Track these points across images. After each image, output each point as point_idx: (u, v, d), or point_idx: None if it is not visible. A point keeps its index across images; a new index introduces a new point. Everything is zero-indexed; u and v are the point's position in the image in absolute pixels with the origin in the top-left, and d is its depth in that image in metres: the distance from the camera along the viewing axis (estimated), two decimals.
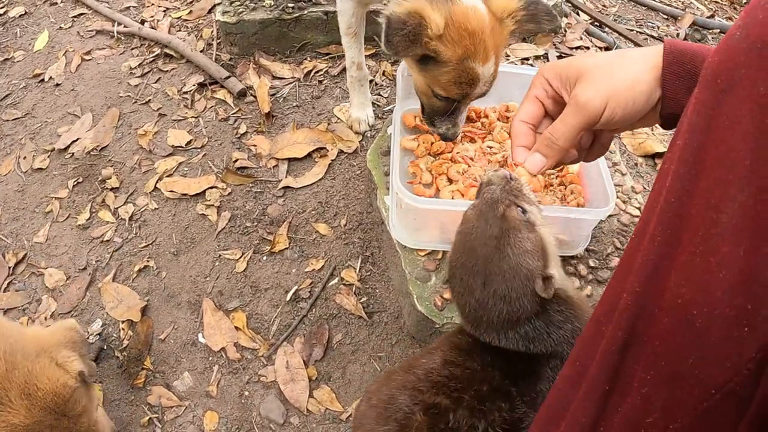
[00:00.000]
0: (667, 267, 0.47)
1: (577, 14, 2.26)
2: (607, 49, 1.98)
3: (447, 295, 1.23)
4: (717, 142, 0.44)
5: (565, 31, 2.14)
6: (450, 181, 1.38)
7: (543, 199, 1.31)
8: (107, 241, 1.60)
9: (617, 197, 1.46)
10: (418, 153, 1.43)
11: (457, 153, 1.41)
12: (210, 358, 1.37)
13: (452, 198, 1.34)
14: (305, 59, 1.92)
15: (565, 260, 1.31)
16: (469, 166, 1.39)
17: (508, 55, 1.99)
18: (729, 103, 0.43)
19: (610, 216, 1.40)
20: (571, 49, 1.94)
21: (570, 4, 2.25)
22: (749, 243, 0.39)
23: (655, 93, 0.70)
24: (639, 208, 1.44)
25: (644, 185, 1.66)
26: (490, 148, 1.43)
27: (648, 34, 2.11)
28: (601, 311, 0.58)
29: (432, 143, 1.45)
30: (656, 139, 1.81)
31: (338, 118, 1.74)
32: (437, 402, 0.84)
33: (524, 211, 0.91)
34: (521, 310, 0.87)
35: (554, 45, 2.05)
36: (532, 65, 1.97)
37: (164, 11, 2.24)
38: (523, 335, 0.88)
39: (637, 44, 2.01)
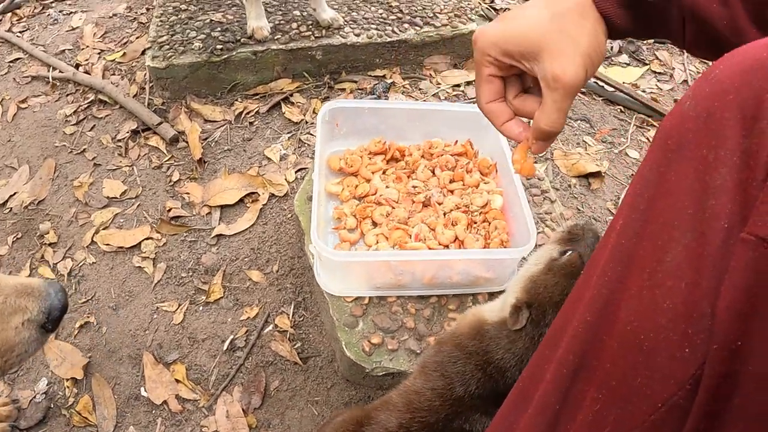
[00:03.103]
0: (617, 300, 0.52)
1: None
2: None
3: (375, 340, 1.23)
4: (665, 194, 0.50)
5: None
6: (375, 224, 1.38)
7: (466, 238, 1.32)
8: None
9: (546, 225, 1.48)
10: (342, 197, 1.43)
11: (381, 195, 1.41)
12: (153, 412, 1.37)
13: (377, 242, 1.34)
14: (236, 100, 1.90)
15: (493, 295, 1.32)
16: (393, 208, 1.39)
17: (439, 83, 1.99)
18: (677, 162, 0.50)
19: (539, 246, 1.41)
20: None
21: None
22: (690, 278, 0.45)
23: (605, 32, 0.70)
24: None
25: (578, 206, 1.69)
26: (415, 188, 1.43)
27: None
28: (546, 338, 0.63)
29: (356, 186, 1.45)
30: (589, 158, 1.83)
31: (269, 159, 1.72)
32: None
33: None
34: None
35: None
36: (463, 92, 1.97)
37: (99, 54, 2.20)
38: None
39: None
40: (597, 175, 1.77)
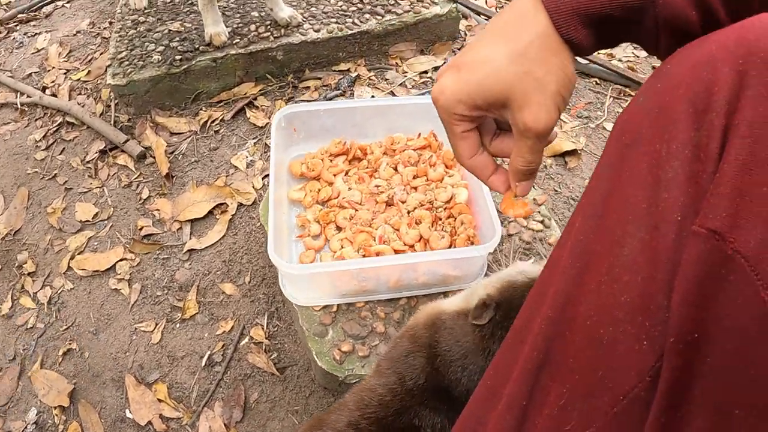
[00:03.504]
0: (578, 296, 0.52)
1: (477, 14, 2.21)
2: None
3: (345, 348, 1.22)
4: (620, 188, 0.51)
5: (465, 34, 2.10)
6: (339, 228, 1.36)
7: (431, 237, 1.30)
8: (31, 328, 1.57)
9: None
10: (305, 203, 1.41)
11: (344, 198, 1.39)
12: None
13: (341, 247, 1.32)
14: (200, 109, 1.87)
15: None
16: (357, 210, 1.37)
17: (406, 72, 1.95)
18: (631, 157, 0.50)
19: (510, 235, 1.40)
20: None
21: (466, 7, 2.20)
22: (646, 272, 0.46)
23: (572, 56, 0.63)
24: (542, 221, 1.42)
25: (555, 187, 1.66)
26: (378, 187, 1.41)
27: None
28: (512, 336, 0.63)
29: (319, 190, 1.43)
30: (565, 136, 1.80)
31: (236, 167, 1.70)
32: None
33: None
34: None
35: (454, 52, 2.01)
36: (431, 78, 1.93)
37: (65, 74, 2.18)
38: None
39: None
40: (573, 153, 1.73)
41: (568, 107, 1.91)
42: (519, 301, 0.88)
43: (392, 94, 1.86)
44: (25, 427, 1.44)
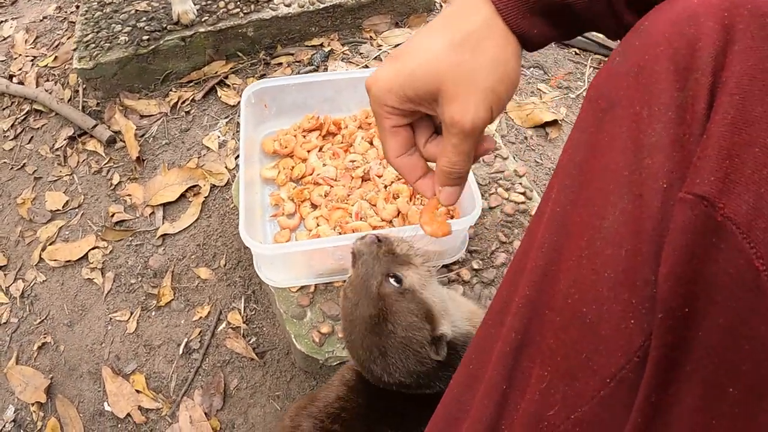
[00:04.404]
0: (556, 272, 0.48)
1: None
2: None
3: (324, 330, 1.16)
4: (598, 156, 0.46)
5: (440, 5, 2.02)
6: (314, 206, 1.29)
7: (409, 212, 1.23)
8: (4, 323, 1.50)
9: (500, 185, 1.39)
10: (279, 182, 1.34)
11: (318, 175, 1.31)
12: (118, 426, 1.31)
13: (317, 225, 1.26)
14: (170, 90, 1.79)
15: (446, 267, 1.24)
16: (332, 186, 1.30)
17: (380, 45, 1.87)
18: (609, 121, 0.46)
19: (492, 208, 1.33)
20: None
21: None
22: (630, 245, 0.41)
23: (517, 51, 0.57)
24: (524, 193, 1.36)
25: (536, 159, 1.60)
26: (353, 162, 1.33)
27: None
28: (491, 316, 0.57)
29: (293, 167, 1.35)
30: (545, 107, 1.74)
31: (208, 148, 1.62)
32: (334, 428, 0.85)
33: (399, 280, 0.84)
34: (420, 367, 0.83)
35: None
36: None
37: (32, 61, 2.08)
38: (416, 381, 0.85)
39: None
40: (554, 123, 1.67)
41: (548, 77, 1.83)
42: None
43: (367, 67, 1.78)
44: (4, 426, 1.37)
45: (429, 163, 0.68)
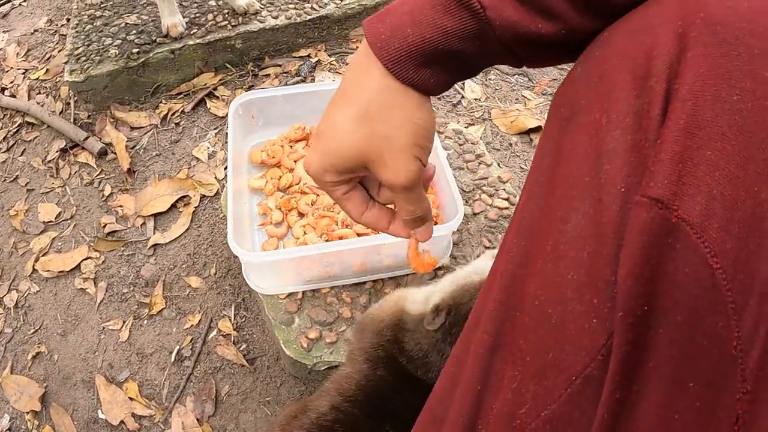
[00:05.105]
0: (524, 275, 0.49)
1: None
2: None
3: (312, 335, 1.17)
4: (563, 163, 0.47)
5: None
6: (301, 215, 1.31)
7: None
8: None
9: (483, 191, 1.40)
10: (266, 191, 1.35)
11: (305, 184, 1.33)
12: None
13: (304, 233, 1.27)
14: (160, 102, 1.80)
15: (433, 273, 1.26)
16: (318, 195, 1.32)
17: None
18: (571, 129, 0.47)
19: (476, 214, 1.35)
20: None
21: None
22: (591, 247, 0.43)
23: (421, 99, 0.58)
24: (507, 199, 1.38)
25: (521, 165, 1.61)
26: None
27: None
28: (472, 319, 0.59)
29: (280, 177, 1.37)
30: (529, 113, 1.75)
31: (198, 159, 1.64)
32: None
33: None
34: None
35: None
36: None
37: (24, 73, 2.09)
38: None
39: None
40: (538, 130, 1.69)
41: (532, 84, 1.86)
42: (469, 305, 0.88)
43: None
44: None
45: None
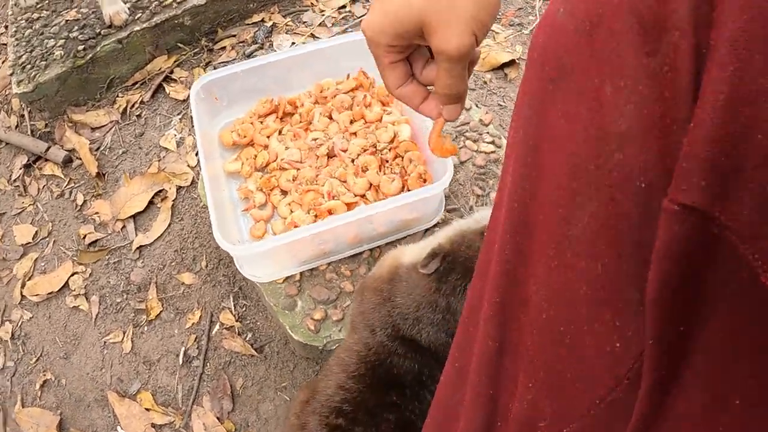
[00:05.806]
0: (524, 275, 0.42)
1: None
2: None
3: (318, 316, 1.12)
4: (553, 141, 0.37)
5: None
6: (284, 192, 1.23)
7: (381, 182, 1.17)
8: (2, 368, 1.44)
9: (467, 137, 1.32)
10: (244, 174, 1.27)
11: (283, 159, 1.24)
12: None
13: (291, 211, 1.20)
14: (117, 96, 1.69)
15: (427, 231, 1.19)
16: (298, 169, 1.23)
17: (323, 10, 1.77)
18: (562, 98, 0.36)
19: (463, 162, 1.28)
20: None
21: None
22: (607, 259, 0.35)
23: None
24: (492, 142, 1.31)
25: (499, 102, 1.53)
26: (315, 140, 1.27)
27: None
28: (467, 313, 0.54)
29: (255, 156, 1.28)
30: (499, 48, 1.66)
31: (167, 149, 1.54)
32: (338, 424, 0.85)
33: None
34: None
35: None
36: (351, 12, 1.75)
37: None
38: None
39: None
40: (512, 63, 1.60)
41: (498, 17, 1.74)
42: (466, 252, 0.86)
43: (313, 36, 1.69)
44: None
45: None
